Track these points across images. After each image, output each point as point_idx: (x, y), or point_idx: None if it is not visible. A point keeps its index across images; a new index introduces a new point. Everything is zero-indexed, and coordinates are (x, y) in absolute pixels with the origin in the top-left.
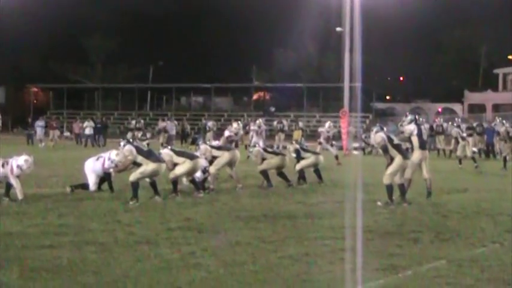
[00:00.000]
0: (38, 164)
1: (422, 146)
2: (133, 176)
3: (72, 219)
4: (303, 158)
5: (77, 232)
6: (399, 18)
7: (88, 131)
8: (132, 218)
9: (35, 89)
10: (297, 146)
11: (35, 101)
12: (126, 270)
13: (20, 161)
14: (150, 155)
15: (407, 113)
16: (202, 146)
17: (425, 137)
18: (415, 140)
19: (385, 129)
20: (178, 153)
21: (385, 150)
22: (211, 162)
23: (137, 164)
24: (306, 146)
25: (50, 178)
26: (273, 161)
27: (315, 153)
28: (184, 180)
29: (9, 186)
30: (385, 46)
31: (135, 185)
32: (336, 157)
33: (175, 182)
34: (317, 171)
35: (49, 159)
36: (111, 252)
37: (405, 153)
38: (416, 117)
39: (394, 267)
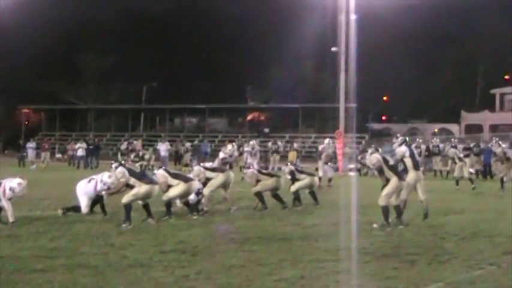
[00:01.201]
0: (30, 186)
1: (416, 166)
2: (126, 198)
3: (64, 242)
4: (297, 180)
5: (69, 255)
6: (395, 38)
7: (80, 152)
8: (125, 240)
9: (27, 110)
10: (292, 168)
11: (26, 122)
12: None
13: (13, 183)
14: (143, 177)
15: (398, 135)
16: (196, 168)
17: (417, 157)
18: (408, 161)
19: (380, 150)
20: (173, 175)
21: (380, 171)
22: (205, 184)
23: (130, 186)
24: (301, 167)
25: (41, 201)
26: (267, 182)
27: (310, 174)
28: (178, 202)
29: None
30: (381, 66)
31: (127, 208)
32: (330, 180)
33: (169, 204)
34: (312, 193)
35: (41, 181)
36: (104, 276)
37: (401, 175)
38: (407, 138)
39: None
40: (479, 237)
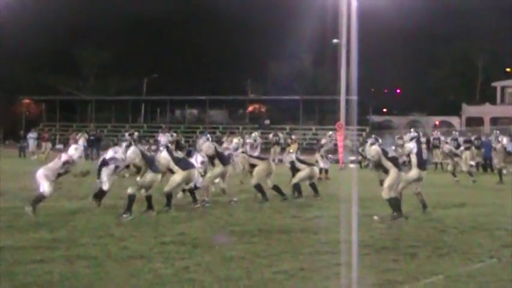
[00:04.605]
0: (30, 177)
1: (421, 165)
2: (131, 189)
3: (64, 233)
4: (297, 170)
5: (68, 246)
6: (396, 31)
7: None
8: (125, 232)
9: (27, 101)
10: (293, 156)
11: (27, 113)
12: (118, 286)
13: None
14: (152, 162)
15: (411, 130)
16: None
17: (425, 156)
18: (413, 158)
19: (380, 140)
20: (175, 160)
21: (378, 164)
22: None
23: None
24: (303, 158)
25: None
26: (261, 168)
27: (310, 164)
28: (179, 195)
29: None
30: (382, 58)
31: (132, 198)
32: (326, 171)
33: (170, 195)
34: (313, 185)
35: None
36: (104, 267)
37: (400, 166)
38: (420, 134)
39: (390, 282)
40: (479, 231)
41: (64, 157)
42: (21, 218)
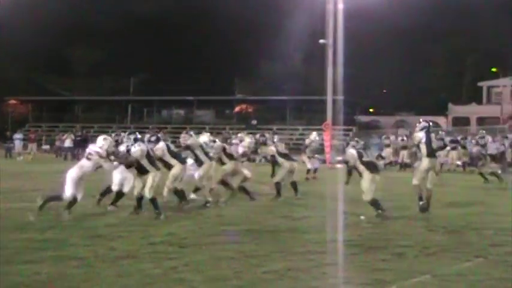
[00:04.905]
0: (18, 178)
1: (431, 154)
2: (149, 193)
3: (53, 234)
4: (277, 163)
5: (57, 247)
6: (383, 31)
7: (68, 143)
8: (114, 232)
9: (14, 101)
10: (274, 150)
11: (13, 114)
12: (107, 286)
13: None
14: (154, 163)
15: (421, 120)
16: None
17: (434, 145)
18: (423, 147)
19: (363, 143)
20: (172, 154)
21: (350, 170)
22: None
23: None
24: (285, 151)
25: (30, 192)
26: (227, 167)
27: (290, 159)
28: (165, 193)
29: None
30: (368, 59)
31: (155, 200)
32: (315, 171)
33: (178, 191)
34: (293, 184)
35: (29, 173)
36: (93, 268)
37: (372, 168)
38: (430, 124)
39: (379, 282)
40: (467, 230)
41: (97, 151)
42: (9, 219)
